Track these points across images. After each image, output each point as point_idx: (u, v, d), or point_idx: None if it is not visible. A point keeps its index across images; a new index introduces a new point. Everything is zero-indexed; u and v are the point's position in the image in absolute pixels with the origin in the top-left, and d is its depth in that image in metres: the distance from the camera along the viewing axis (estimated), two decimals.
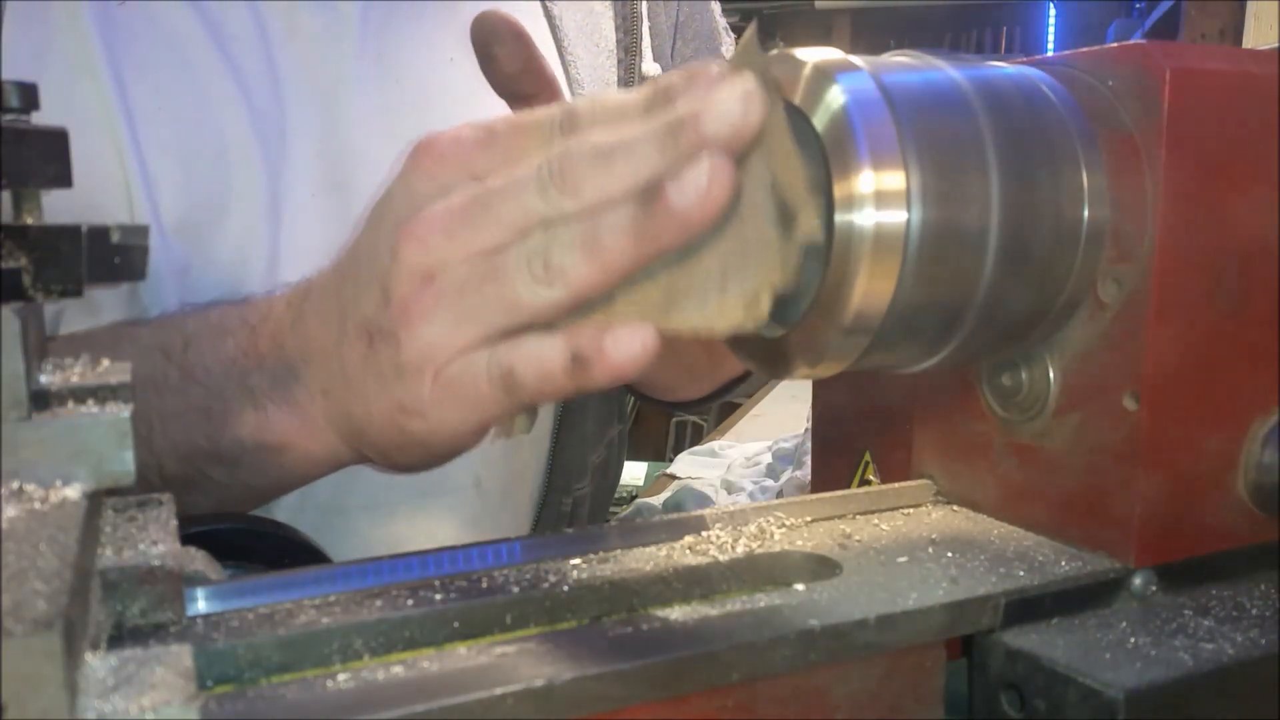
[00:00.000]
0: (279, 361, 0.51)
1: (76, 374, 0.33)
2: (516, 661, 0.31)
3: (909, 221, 0.36)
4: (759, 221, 0.38)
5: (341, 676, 0.30)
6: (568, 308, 0.40)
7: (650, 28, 0.84)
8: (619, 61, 0.82)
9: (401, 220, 0.43)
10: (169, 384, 0.55)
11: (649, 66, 0.83)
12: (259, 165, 0.69)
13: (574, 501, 0.85)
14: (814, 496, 0.47)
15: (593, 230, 0.38)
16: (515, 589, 0.37)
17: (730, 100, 0.36)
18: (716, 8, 0.94)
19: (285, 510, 0.70)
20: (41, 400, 0.30)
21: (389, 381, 0.44)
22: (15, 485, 0.29)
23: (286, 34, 0.70)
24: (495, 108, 0.76)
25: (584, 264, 0.39)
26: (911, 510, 0.47)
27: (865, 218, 0.36)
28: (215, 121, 0.69)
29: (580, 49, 0.79)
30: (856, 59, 0.39)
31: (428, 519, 0.75)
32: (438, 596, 0.36)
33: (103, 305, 0.67)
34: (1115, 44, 0.41)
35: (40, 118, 0.32)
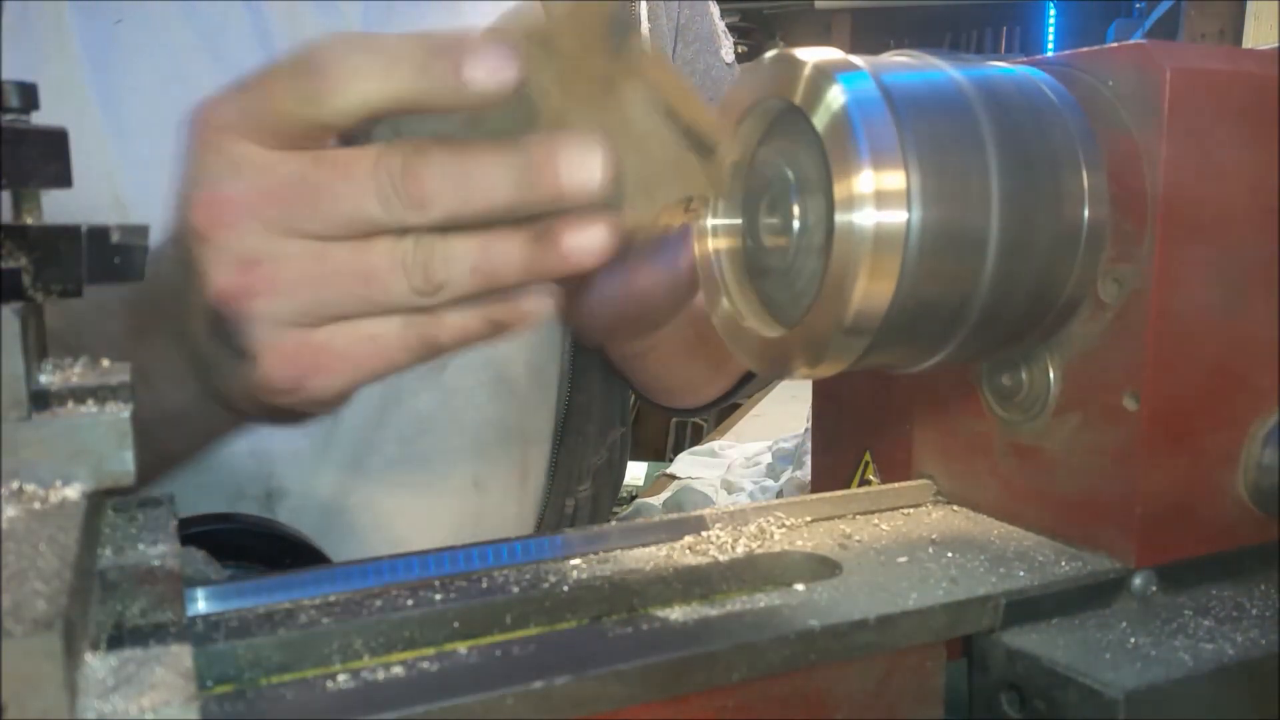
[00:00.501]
0: (157, 338, 0.50)
1: (76, 374, 0.33)
2: (516, 661, 0.31)
3: (909, 221, 0.36)
4: (661, 143, 0.39)
5: (341, 677, 0.30)
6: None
7: (650, 29, 0.84)
8: None
9: (199, 198, 0.42)
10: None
11: None
12: None
13: (576, 504, 0.85)
14: (814, 496, 0.47)
15: (484, 258, 0.40)
16: (515, 589, 0.37)
17: (581, 173, 0.37)
18: (715, 10, 0.94)
19: (286, 511, 0.70)
20: (41, 400, 0.30)
21: (239, 367, 0.44)
22: (15, 485, 0.29)
23: (288, 37, 0.70)
24: None
25: (470, 283, 0.40)
26: (911, 510, 0.47)
27: (865, 218, 0.36)
28: None
29: None
30: (856, 59, 0.39)
31: (427, 519, 0.75)
32: (438, 596, 0.36)
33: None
34: (1115, 44, 0.41)
35: None
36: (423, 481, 0.74)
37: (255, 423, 0.51)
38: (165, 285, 0.47)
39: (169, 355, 0.49)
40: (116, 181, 0.66)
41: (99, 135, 0.66)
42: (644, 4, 0.84)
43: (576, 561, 0.40)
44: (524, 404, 0.78)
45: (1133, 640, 0.37)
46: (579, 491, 0.85)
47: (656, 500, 1.30)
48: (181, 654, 0.27)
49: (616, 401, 0.90)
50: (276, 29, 0.70)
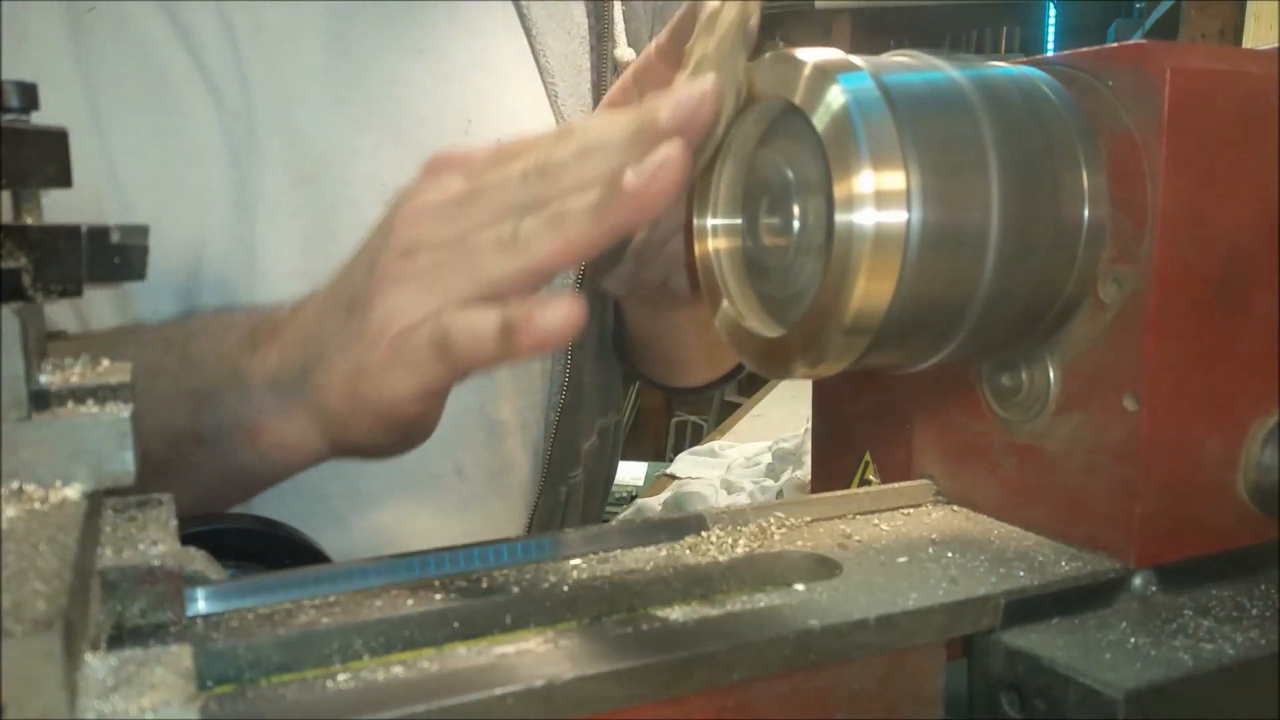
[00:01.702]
0: (273, 347, 0.53)
1: (76, 374, 0.33)
2: (516, 661, 0.31)
3: (909, 221, 0.36)
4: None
5: (341, 677, 0.30)
6: (528, 280, 0.44)
7: (625, 11, 0.84)
8: (591, 48, 0.81)
9: (401, 206, 0.47)
10: (165, 370, 0.56)
11: (622, 52, 0.82)
12: (231, 165, 0.69)
13: (569, 489, 0.85)
14: (814, 496, 0.47)
15: (560, 207, 0.43)
16: (515, 589, 0.37)
17: (688, 99, 0.41)
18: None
19: (264, 500, 0.70)
20: (41, 400, 0.30)
21: (350, 343, 0.47)
22: (15, 485, 0.29)
23: (251, 31, 0.70)
24: (461, 101, 0.76)
25: (547, 237, 0.43)
26: (911, 510, 0.47)
27: (865, 218, 0.36)
28: (186, 125, 0.68)
29: (550, 37, 0.79)
30: (856, 59, 0.39)
31: (411, 507, 0.75)
32: (438, 596, 0.36)
33: (90, 301, 0.68)
34: (1115, 44, 0.41)
35: None
36: (404, 469, 0.75)
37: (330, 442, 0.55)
38: (318, 304, 0.52)
39: (275, 361, 0.53)
40: (92, 169, 0.66)
41: (81, 124, 0.66)
42: None
43: (576, 561, 0.40)
44: (503, 394, 0.78)
45: (1133, 640, 0.37)
46: (571, 477, 0.85)
47: (656, 500, 1.30)
48: (181, 654, 0.27)
49: (610, 388, 0.90)
50: (239, 23, 0.70)
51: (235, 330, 0.56)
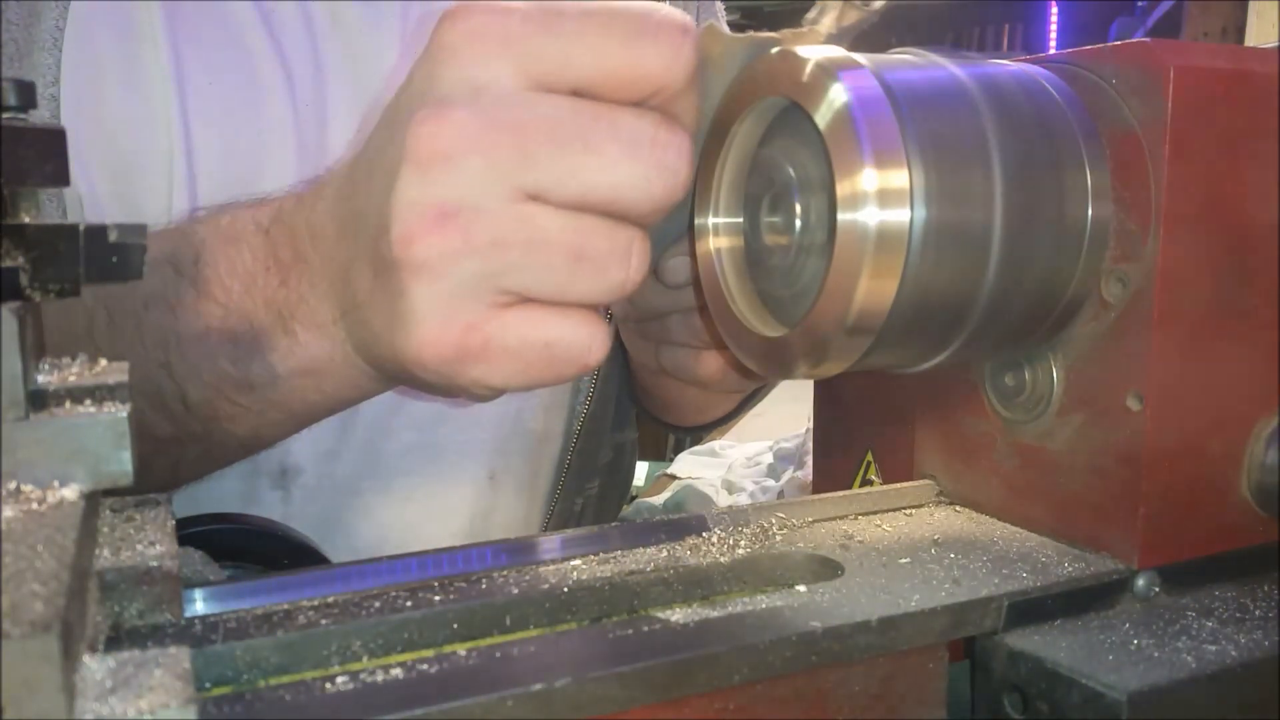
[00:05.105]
0: (303, 278, 0.47)
1: (74, 374, 0.33)
2: (516, 663, 0.31)
3: (912, 220, 0.36)
4: None
5: (340, 678, 0.30)
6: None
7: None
8: None
9: (423, 113, 0.36)
10: (184, 302, 0.50)
11: None
12: (297, 151, 0.70)
13: (585, 502, 0.85)
14: (816, 497, 0.47)
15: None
16: (515, 589, 0.37)
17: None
18: (721, 8, 0.95)
19: (302, 489, 0.70)
20: (39, 400, 0.30)
21: (392, 309, 0.40)
22: (13, 486, 0.29)
23: (330, 26, 0.71)
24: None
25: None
26: (914, 511, 0.47)
27: (868, 216, 0.36)
28: (259, 103, 0.69)
29: None
30: (859, 57, 0.38)
31: (442, 507, 0.76)
32: (437, 598, 0.36)
33: None
34: (1118, 42, 0.40)
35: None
36: (437, 471, 0.75)
37: (399, 384, 0.48)
38: (334, 215, 0.44)
39: (315, 301, 0.46)
40: (171, 128, 0.67)
41: (165, 79, 0.67)
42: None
43: (577, 562, 0.40)
44: (541, 402, 0.78)
45: (1136, 642, 0.37)
46: (588, 490, 0.85)
47: (657, 500, 1.30)
48: (179, 655, 0.26)
49: (626, 402, 0.90)
50: (319, 17, 0.71)
51: (247, 244, 0.49)
